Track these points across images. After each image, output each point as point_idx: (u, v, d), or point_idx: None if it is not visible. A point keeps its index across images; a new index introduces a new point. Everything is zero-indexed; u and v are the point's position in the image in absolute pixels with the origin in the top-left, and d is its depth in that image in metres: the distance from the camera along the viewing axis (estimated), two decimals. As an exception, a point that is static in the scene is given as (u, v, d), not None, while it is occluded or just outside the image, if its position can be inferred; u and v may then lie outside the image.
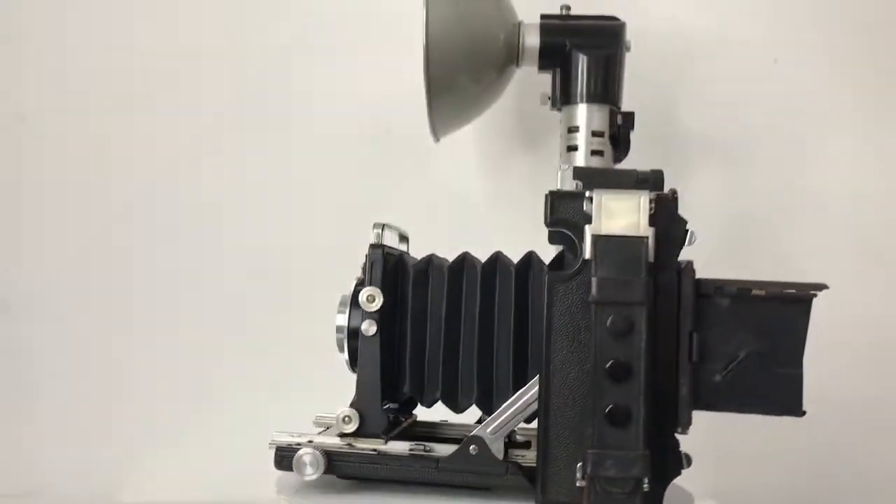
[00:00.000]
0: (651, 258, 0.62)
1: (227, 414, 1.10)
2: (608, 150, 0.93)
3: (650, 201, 0.63)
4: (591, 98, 0.93)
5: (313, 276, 1.04)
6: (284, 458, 0.67)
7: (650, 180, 0.75)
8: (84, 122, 1.13)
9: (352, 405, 0.69)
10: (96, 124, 1.13)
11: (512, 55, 0.94)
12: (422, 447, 0.67)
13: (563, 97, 0.94)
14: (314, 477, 0.66)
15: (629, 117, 0.94)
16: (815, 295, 0.64)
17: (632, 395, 0.61)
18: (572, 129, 0.93)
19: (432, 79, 0.88)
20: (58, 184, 1.14)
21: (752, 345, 0.65)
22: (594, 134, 0.93)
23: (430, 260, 0.72)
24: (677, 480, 0.76)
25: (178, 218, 1.13)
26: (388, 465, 0.67)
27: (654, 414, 0.63)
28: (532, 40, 0.94)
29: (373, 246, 0.70)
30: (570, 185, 0.76)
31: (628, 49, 0.95)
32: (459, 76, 0.92)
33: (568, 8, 0.96)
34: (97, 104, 1.13)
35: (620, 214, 0.63)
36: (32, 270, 1.14)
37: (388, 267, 0.70)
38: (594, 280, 0.62)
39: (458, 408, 0.71)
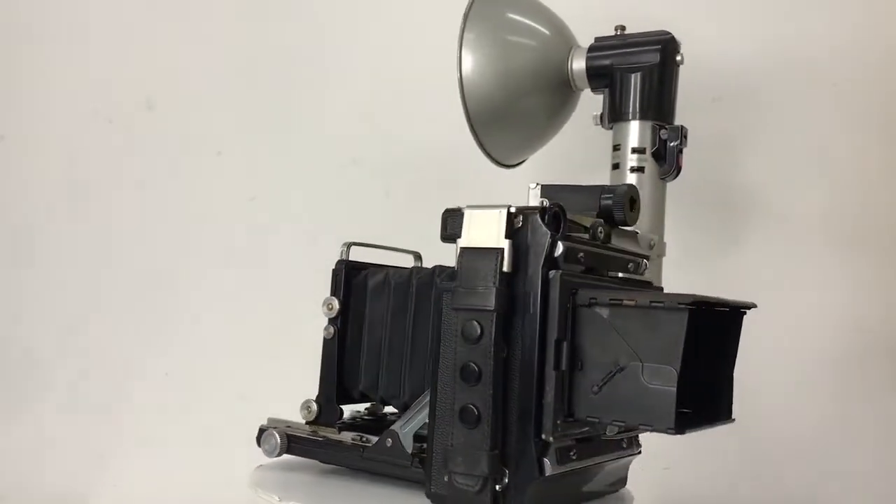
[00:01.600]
0: (506, 268, 0.65)
1: (202, 420, 1.17)
2: (650, 166, 0.93)
3: (510, 215, 0.66)
4: (633, 115, 0.93)
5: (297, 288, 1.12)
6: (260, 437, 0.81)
7: (614, 194, 0.77)
8: (98, 134, 1.23)
9: (316, 399, 0.80)
10: (104, 140, 1.23)
11: (564, 79, 0.98)
12: (360, 438, 0.77)
13: (610, 116, 0.95)
14: (274, 454, 0.79)
15: (676, 132, 0.92)
16: (686, 308, 0.62)
17: (481, 397, 0.65)
18: (616, 147, 0.94)
19: (472, 114, 0.95)
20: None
21: (630, 356, 0.64)
22: (634, 150, 0.93)
23: (388, 273, 0.81)
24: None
25: (161, 230, 1.21)
26: (329, 450, 0.77)
27: (516, 417, 0.65)
28: (579, 64, 0.97)
29: (339, 262, 0.81)
30: (537, 202, 0.81)
31: (680, 63, 0.93)
32: (507, 106, 0.97)
33: (623, 28, 0.97)
34: (104, 118, 1.24)
35: (482, 228, 0.67)
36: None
37: (355, 280, 0.81)
38: (455, 288, 0.67)
39: (400, 405, 0.78)
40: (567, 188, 0.82)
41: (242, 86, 1.22)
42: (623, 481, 0.79)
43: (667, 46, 0.93)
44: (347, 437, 0.78)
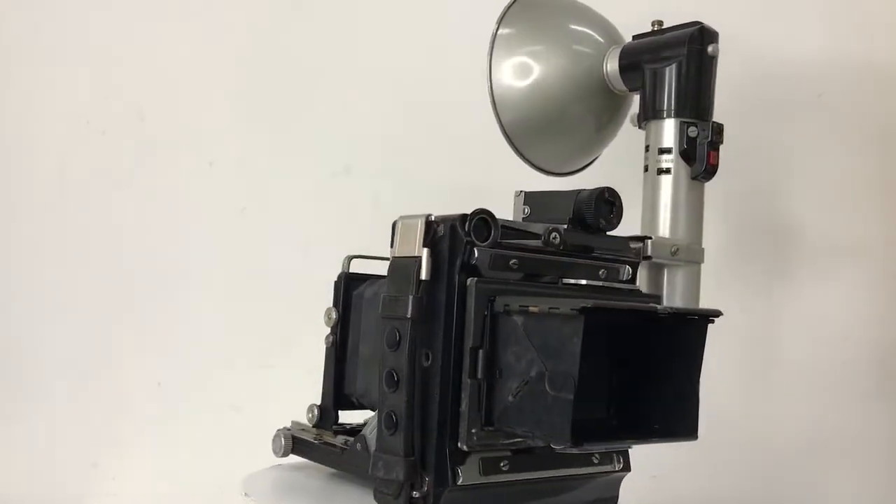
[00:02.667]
0: (424, 276, 0.66)
1: (194, 430, 1.15)
2: (678, 166, 0.87)
3: (429, 224, 0.67)
4: (662, 113, 0.88)
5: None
6: (275, 438, 0.87)
7: (586, 198, 0.75)
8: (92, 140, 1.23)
9: (320, 404, 0.85)
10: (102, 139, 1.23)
11: (603, 83, 0.94)
12: (345, 442, 0.80)
13: (642, 115, 0.91)
14: (280, 454, 0.84)
15: (706, 129, 0.86)
16: (580, 313, 0.59)
17: (398, 403, 0.66)
18: (647, 149, 0.89)
19: (507, 127, 0.94)
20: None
21: (539, 365, 0.63)
22: (661, 151, 0.88)
23: (380, 283, 0.84)
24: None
25: (154, 240, 1.20)
26: (322, 452, 0.81)
27: (436, 425, 0.66)
28: (612, 65, 0.93)
29: (340, 274, 0.86)
30: (520, 210, 0.81)
31: (713, 55, 0.87)
32: (546, 116, 0.95)
33: (660, 23, 0.92)
34: (105, 120, 1.23)
35: (408, 237, 0.68)
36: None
37: (356, 291, 0.85)
38: (384, 297, 0.68)
39: (384, 413, 0.81)
40: (548, 194, 0.81)
41: (234, 95, 1.23)
42: (609, 501, 0.75)
43: (694, 39, 0.87)
44: (340, 440, 0.81)
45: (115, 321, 1.20)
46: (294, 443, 0.84)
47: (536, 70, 0.95)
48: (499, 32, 0.95)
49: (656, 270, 0.87)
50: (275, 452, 0.85)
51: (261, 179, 1.20)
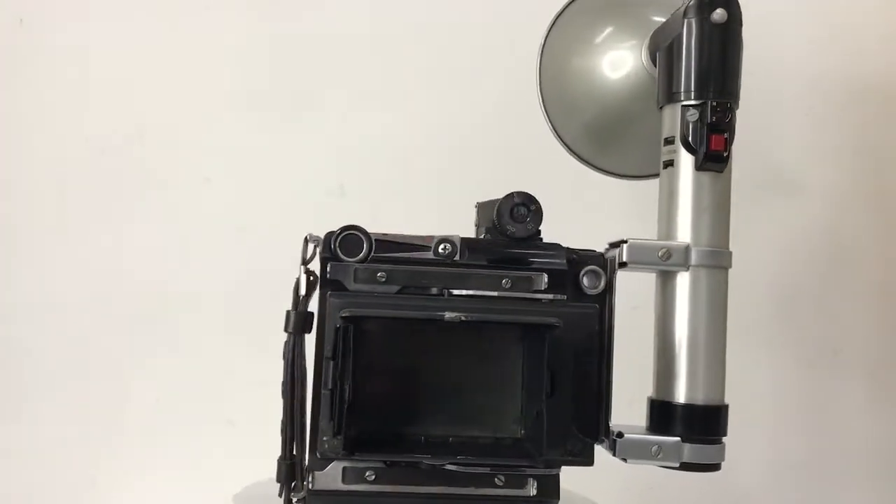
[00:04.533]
0: (302, 291, 0.70)
1: (191, 445, 1.13)
2: (681, 158, 0.76)
3: (305, 241, 0.71)
4: (671, 97, 0.77)
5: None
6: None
7: (497, 205, 0.73)
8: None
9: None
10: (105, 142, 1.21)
11: (646, 76, 0.85)
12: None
13: (657, 103, 0.80)
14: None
15: (706, 111, 0.73)
16: (344, 321, 0.59)
17: (286, 410, 0.71)
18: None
19: (568, 140, 0.90)
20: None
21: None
22: (666, 142, 0.77)
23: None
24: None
25: (151, 256, 1.18)
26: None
27: (308, 432, 0.69)
28: (645, 53, 0.84)
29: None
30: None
31: (720, 21, 0.74)
32: (608, 122, 0.89)
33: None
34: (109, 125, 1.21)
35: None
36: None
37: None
38: (291, 314, 0.74)
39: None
40: (490, 204, 0.78)
41: (232, 112, 1.22)
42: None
43: (695, 7, 0.75)
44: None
45: (114, 338, 1.20)
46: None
47: (588, 73, 0.89)
48: (549, 35, 0.92)
49: (668, 278, 0.76)
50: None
51: (259, 196, 1.19)
